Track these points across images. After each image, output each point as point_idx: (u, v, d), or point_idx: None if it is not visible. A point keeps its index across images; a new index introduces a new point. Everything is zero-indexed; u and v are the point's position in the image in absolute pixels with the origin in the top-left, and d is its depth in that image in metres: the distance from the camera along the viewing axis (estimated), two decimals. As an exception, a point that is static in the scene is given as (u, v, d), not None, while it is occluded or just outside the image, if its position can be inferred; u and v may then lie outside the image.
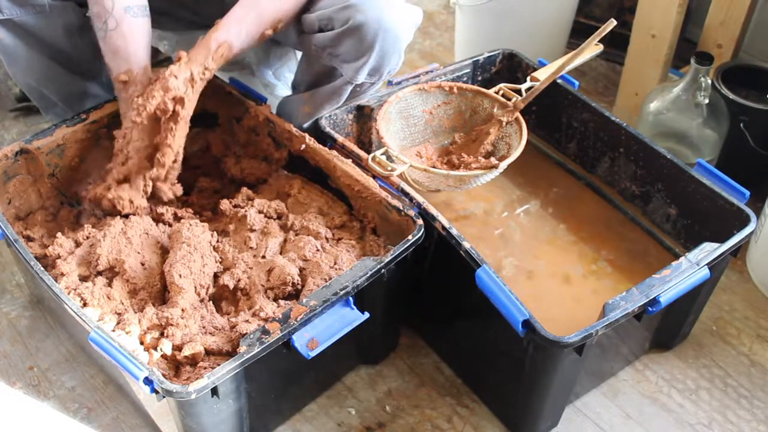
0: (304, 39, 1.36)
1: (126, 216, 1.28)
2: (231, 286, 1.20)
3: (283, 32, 1.41)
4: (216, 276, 1.23)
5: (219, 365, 1.02)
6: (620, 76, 1.84)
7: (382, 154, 1.28)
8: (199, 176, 1.46)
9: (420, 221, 1.19)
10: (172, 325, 1.12)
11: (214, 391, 1.04)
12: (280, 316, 1.07)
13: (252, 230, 1.28)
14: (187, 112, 1.25)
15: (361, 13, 1.24)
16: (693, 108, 1.54)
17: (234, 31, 1.26)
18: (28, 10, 1.33)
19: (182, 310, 1.14)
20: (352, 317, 1.11)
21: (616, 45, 1.92)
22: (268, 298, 1.19)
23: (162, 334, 1.12)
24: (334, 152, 1.32)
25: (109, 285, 1.19)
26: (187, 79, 1.23)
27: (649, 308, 1.13)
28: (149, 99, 1.22)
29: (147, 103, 1.22)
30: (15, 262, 1.49)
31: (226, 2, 1.43)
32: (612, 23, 1.27)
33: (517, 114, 1.38)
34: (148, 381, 1.01)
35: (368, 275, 1.13)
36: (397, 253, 1.16)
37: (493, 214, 1.48)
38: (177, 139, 1.26)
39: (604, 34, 1.29)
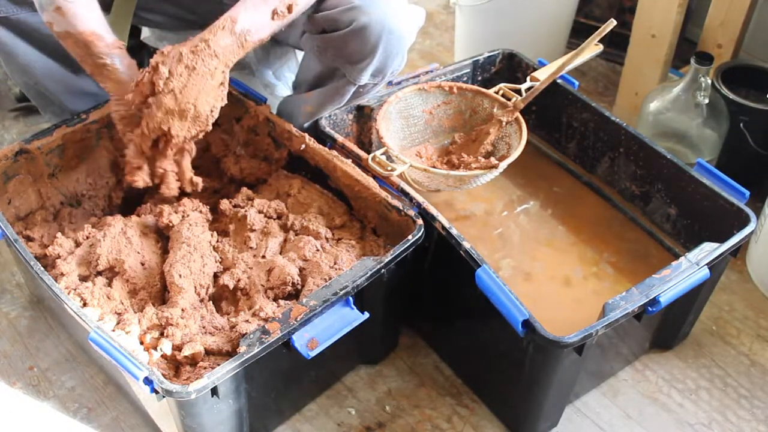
0: (307, 39, 1.36)
1: (128, 215, 1.29)
2: (231, 286, 1.20)
3: (286, 30, 1.41)
4: (216, 276, 1.23)
5: (219, 365, 1.02)
6: (620, 76, 1.84)
7: (382, 154, 1.28)
8: (199, 176, 1.46)
9: (420, 221, 1.19)
10: (172, 325, 1.12)
11: (214, 391, 1.04)
12: (280, 316, 1.07)
13: (252, 230, 1.28)
14: (176, 85, 1.12)
15: (366, 15, 1.24)
16: (693, 108, 1.54)
17: (240, 8, 1.17)
18: (25, 8, 1.32)
19: (182, 310, 1.14)
20: (352, 317, 1.11)
21: (616, 45, 1.92)
22: (268, 298, 1.19)
23: (162, 334, 1.12)
24: (334, 152, 1.32)
25: (109, 285, 1.19)
26: (178, 53, 1.13)
27: (649, 308, 1.13)
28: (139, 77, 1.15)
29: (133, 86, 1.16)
30: (15, 262, 1.49)
31: (224, 1, 1.44)
32: (612, 23, 1.27)
33: (517, 114, 1.38)
34: (148, 381, 1.01)
35: (368, 275, 1.13)
36: (397, 253, 1.16)
37: (494, 215, 1.48)
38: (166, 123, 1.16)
39: (604, 34, 1.29)
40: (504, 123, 1.38)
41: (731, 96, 1.57)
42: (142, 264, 1.23)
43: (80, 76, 1.47)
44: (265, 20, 1.17)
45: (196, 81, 1.14)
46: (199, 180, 1.28)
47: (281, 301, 1.18)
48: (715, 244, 1.19)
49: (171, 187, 1.25)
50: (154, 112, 1.15)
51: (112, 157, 1.40)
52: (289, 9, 1.18)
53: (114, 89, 1.22)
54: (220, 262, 1.24)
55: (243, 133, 1.45)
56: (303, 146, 1.34)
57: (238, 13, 1.16)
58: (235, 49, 1.17)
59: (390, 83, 1.42)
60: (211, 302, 1.20)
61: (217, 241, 1.27)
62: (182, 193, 1.34)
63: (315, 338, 1.07)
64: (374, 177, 1.27)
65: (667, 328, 1.35)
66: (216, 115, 1.19)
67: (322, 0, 1.29)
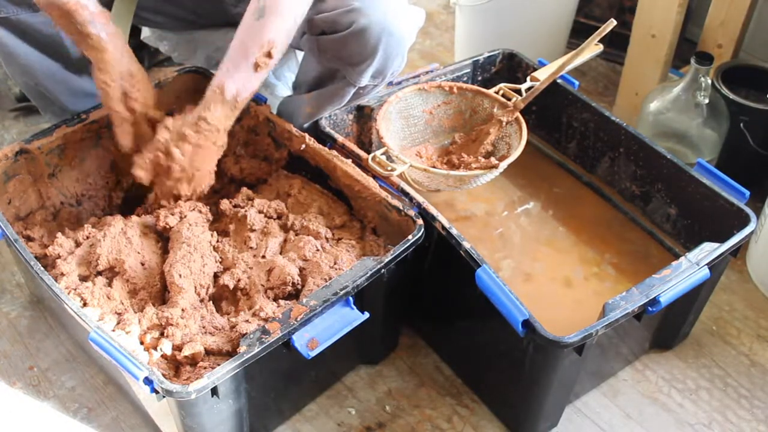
0: (307, 40, 1.36)
1: (128, 215, 1.29)
2: (231, 286, 1.20)
3: None
4: (216, 276, 1.23)
5: (219, 365, 1.02)
6: (620, 76, 1.84)
7: (382, 154, 1.28)
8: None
9: (420, 221, 1.19)
10: (172, 325, 1.12)
11: (214, 391, 1.04)
12: (280, 316, 1.07)
13: (252, 230, 1.28)
14: (186, 162, 1.22)
15: (365, 17, 1.24)
16: (693, 108, 1.54)
17: (223, 73, 1.21)
18: (26, 9, 1.32)
19: (182, 310, 1.14)
20: (352, 317, 1.11)
21: (616, 45, 1.92)
22: (268, 298, 1.19)
23: (162, 334, 1.12)
24: (334, 152, 1.32)
25: (109, 285, 1.19)
26: (182, 134, 1.21)
27: (649, 308, 1.13)
28: (146, 158, 1.23)
29: (144, 163, 1.23)
30: (15, 262, 1.49)
31: (225, 1, 1.44)
32: (612, 23, 1.27)
33: (517, 114, 1.38)
34: (148, 381, 1.01)
35: (368, 275, 1.13)
36: (397, 253, 1.16)
37: (494, 215, 1.48)
38: (185, 186, 1.26)
39: (604, 34, 1.29)
40: (504, 123, 1.38)
41: (731, 96, 1.57)
42: (142, 264, 1.23)
43: (81, 77, 1.47)
44: (249, 76, 1.21)
45: (201, 153, 1.23)
46: None
47: (281, 301, 1.18)
48: (715, 244, 1.19)
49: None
50: (164, 181, 1.25)
51: (112, 157, 1.40)
52: (270, 55, 1.20)
53: (97, 58, 1.22)
54: (220, 262, 1.24)
55: (243, 133, 1.45)
56: (303, 146, 1.34)
57: (224, 79, 1.21)
58: (230, 113, 1.23)
59: (390, 83, 1.42)
60: (211, 302, 1.20)
61: (217, 241, 1.27)
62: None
63: (315, 338, 1.07)
64: (374, 177, 1.27)
65: (667, 328, 1.35)
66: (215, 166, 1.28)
67: (321, 1, 1.29)
